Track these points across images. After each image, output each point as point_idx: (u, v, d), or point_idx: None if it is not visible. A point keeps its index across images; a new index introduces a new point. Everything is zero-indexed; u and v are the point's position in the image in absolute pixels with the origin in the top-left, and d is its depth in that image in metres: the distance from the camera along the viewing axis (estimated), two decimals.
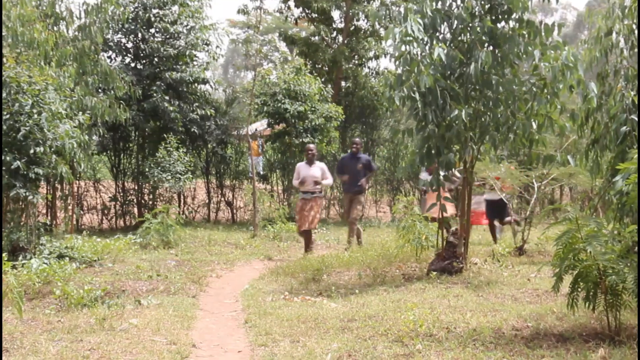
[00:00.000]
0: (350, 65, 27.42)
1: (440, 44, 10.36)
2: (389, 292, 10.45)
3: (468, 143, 11.27)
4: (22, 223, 13.18)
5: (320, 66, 27.33)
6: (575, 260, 7.48)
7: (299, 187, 15.62)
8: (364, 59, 27.88)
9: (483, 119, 11.29)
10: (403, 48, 10.46)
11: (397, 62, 10.62)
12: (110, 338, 7.88)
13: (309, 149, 15.77)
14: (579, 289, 7.59)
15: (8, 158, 12.21)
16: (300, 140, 22.05)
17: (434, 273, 11.32)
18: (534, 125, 10.90)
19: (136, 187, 22.95)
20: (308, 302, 10.14)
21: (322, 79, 25.02)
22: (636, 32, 10.62)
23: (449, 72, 11.03)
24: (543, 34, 10.77)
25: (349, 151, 18.21)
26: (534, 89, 10.77)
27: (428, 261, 12.25)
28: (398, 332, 7.82)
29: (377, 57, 27.71)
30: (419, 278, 11.45)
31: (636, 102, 9.94)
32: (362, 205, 17.00)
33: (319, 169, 15.57)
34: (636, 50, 10.58)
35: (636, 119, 9.81)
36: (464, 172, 11.77)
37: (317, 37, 27.68)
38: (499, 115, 11.01)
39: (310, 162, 15.67)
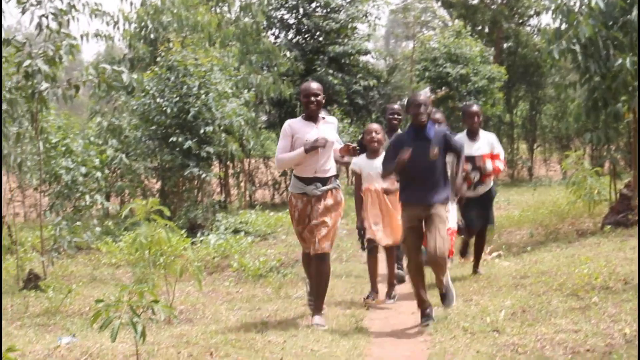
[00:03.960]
0: (511, 25, 26.99)
1: None
2: (562, 248, 10.29)
3: (636, 92, 10.87)
4: (198, 201, 13.73)
5: (480, 28, 27.09)
6: None
7: (295, 166, 7.37)
8: (524, 17, 27.42)
9: None
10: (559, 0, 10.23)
11: (554, 15, 10.39)
12: (287, 305, 8.14)
13: (311, 91, 7.24)
14: None
15: (180, 139, 12.77)
16: (464, 103, 21.84)
17: (608, 227, 10.98)
18: None
19: None
20: (481, 261, 10.11)
21: (483, 41, 24.69)
22: None
23: (611, 22, 10.66)
24: None
25: (406, 126, 7.94)
26: None
27: (601, 215, 11.90)
28: (572, 286, 7.67)
29: (538, 14, 27.25)
30: (593, 233, 11.18)
31: None
32: (445, 223, 7.15)
33: (331, 128, 7.48)
34: None
35: None
36: (633, 122, 11.36)
37: None
38: None
39: (312, 118, 7.36)
